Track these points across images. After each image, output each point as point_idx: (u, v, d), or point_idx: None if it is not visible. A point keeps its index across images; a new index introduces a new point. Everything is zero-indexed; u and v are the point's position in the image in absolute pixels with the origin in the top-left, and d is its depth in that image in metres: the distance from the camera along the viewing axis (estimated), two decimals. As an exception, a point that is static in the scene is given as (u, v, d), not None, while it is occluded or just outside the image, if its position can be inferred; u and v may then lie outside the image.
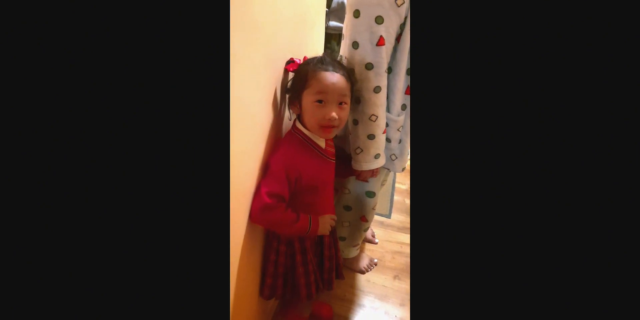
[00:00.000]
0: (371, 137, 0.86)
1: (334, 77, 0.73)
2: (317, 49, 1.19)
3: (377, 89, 0.80)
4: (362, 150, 0.88)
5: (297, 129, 0.80)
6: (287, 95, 0.81)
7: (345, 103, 0.75)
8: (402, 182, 1.88)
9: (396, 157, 1.00)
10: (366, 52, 0.77)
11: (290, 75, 0.80)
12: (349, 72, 0.77)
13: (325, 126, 0.74)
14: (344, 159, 0.97)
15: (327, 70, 0.73)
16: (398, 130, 0.95)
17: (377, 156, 0.90)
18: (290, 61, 0.78)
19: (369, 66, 0.78)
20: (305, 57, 0.80)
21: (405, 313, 1.22)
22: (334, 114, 0.73)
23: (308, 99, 0.74)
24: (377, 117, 0.83)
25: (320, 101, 0.73)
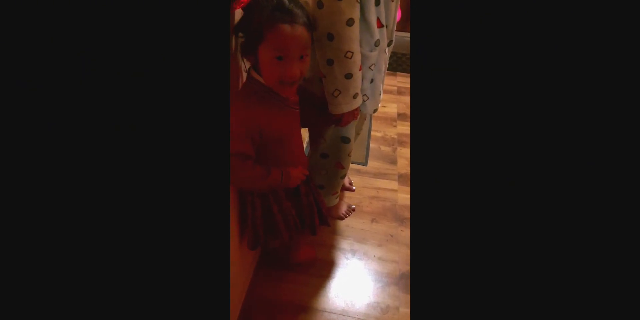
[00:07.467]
0: (348, 76, 0.82)
1: (294, 31, 0.64)
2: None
3: (350, 22, 0.75)
4: (340, 92, 0.84)
5: (254, 79, 0.74)
6: (239, 38, 0.72)
7: (307, 55, 0.70)
8: (378, 130, 1.88)
9: (368, 98, 0.96)
10: None
11: (239, 11, 0.69)
12: (309, 18, 0.70)
13: (286, 82, 0.70)
14: (318, 106, 0.92)
15: (285, 21, 0.63)
16: (370, 68, 0.90)
17: (355, 96, 0.87)
18: None
19: None
20: None
21: (383, 252, 1.30)
22: (295, 71, 0.68)
23: (265, 54, 0.67)
24: (352, 53, 0.78)
25: (279, 57, 0.66)
